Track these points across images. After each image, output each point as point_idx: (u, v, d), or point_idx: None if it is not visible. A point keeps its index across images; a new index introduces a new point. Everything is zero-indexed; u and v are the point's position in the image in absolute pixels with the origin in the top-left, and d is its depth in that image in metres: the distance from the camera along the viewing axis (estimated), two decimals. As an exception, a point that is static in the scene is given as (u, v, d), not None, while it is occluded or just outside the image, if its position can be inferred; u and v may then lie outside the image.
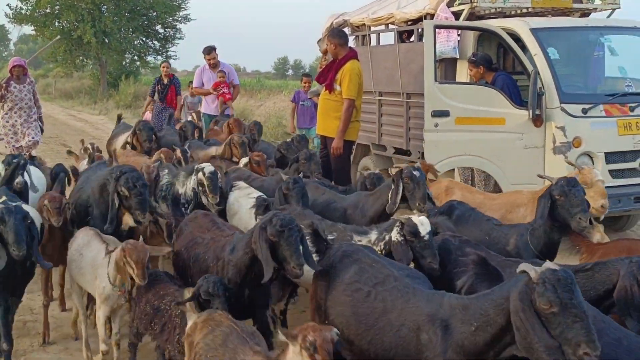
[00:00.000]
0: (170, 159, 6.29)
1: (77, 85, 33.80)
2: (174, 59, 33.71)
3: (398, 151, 7.70)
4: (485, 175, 6.45)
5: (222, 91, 9.74)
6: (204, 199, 5.06)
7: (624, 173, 6.16)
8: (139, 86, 27.68)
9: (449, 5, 6.95)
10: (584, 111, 6.03)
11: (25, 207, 4.24)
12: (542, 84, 6.03)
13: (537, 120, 6.07)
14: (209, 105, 10.22)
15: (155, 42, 32.51)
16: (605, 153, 6.06)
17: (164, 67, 11.28)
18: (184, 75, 35.23)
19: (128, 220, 4.48)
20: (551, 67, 6.12)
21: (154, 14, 31.04)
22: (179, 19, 32.12)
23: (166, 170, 5.62)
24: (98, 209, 4.63)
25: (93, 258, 4.09)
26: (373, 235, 3.89)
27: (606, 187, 5.95)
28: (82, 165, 6.96)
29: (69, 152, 7.97)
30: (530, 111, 5.99)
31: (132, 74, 31.15)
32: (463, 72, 6.98)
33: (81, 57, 31.72)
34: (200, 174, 5.05)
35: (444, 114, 6.11)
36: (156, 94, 10.87)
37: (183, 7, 31.96)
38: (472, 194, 5.27)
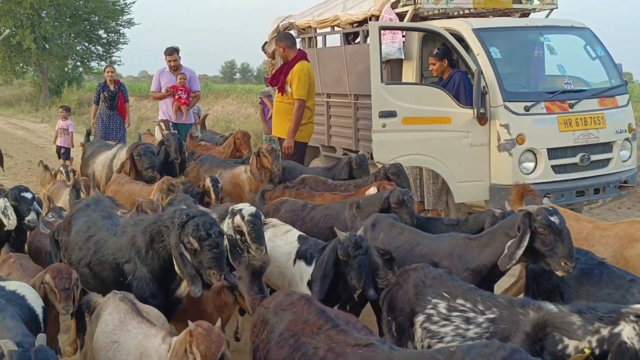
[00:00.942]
0: (171, 192, 5.09)
1: (17, 93, 32.90)
2: (118, 64, 33.15)
3: (347, 152, 7.75)
4: (433, 174, 6.54)
5: (178, 95, 8.83)
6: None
7: (566, 168, 6.33)
8: (83, 92, 27.10)
9: (393, 6, 7.02)
10: (527, 109, 6.18)
11: (23, 289, 3.19)
12: (486, 83, 6.15)
13: (482, 119, 6.19)
14: (169, 112, 8.93)
15: (99, 48, 31.95)
16: (547, 149, 6.21)
17: (108, 72, 10.58)
18: (130, 80, 34.65)
19: (183, 287, 3.44)
20: (494, 66, 6.25)
21: (96, 18, 30.51)
22: (123, 23, 31.67)
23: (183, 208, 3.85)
24: (145, 266, 3.52)
25: (138, 347, 2.83)
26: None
27: (549, 182, 6.19)
28: (57, 193, 6.27)
29: (45, 167, 7.50)
30: (475, 110, 6.11)
31: (75, 80, 30.45)
32: (409, 72, 7.07)
33: (21, 64, 30.88)
34: (237, 218, 3.82)
35: (391, 114, 6.17)
36: (101, 101, 10.33)
37: (126, 12, 31.47)
38: (580, 222, 4.33)
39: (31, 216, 4.54)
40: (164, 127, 8.08)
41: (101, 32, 31.62)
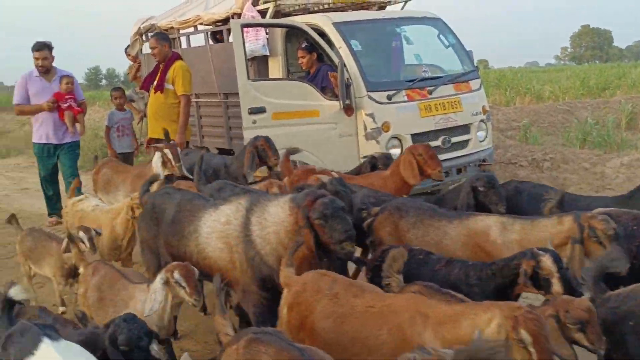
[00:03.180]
0: None
1: None
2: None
3: (221, 152, 7.71)
4: (306, 167, 6.67)
5: (67, 104, 7.20)
6: None
7: (430, 151, 6.67)
8: None
9: (255, 4, 7.07)
10: (389, 97, 6.45)
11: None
12: (349, 75, 6.36)
13: (348, 110, 6.39)
14: (48, 132, 7.28)
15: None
16: (411, 135, 6.52)
17: None
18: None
19: None
20: (355, 58, 6.47)
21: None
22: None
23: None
24: None
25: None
26: None
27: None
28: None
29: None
30: (341, 101, 6.30)
31: None
32: (275, 68, 7.15)
33: None
34: None
35: (260, 110, 6.23)
36: None
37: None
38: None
39: None
40: (170, 157, 5.51)
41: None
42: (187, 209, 3.78)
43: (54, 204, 7.71)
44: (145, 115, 7.91)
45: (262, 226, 3.35)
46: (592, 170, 7.90)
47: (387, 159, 5.55)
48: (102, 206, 5.31)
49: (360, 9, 7.82)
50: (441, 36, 7.40)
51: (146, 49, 9.00)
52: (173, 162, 5.49)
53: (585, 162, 8.13)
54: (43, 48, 7.20)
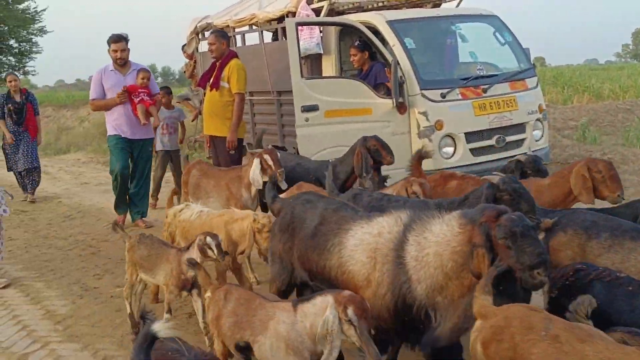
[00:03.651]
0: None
1: None
2: (32, 75, 31.98)
3: (274, 149, 7.79)
4: (359, 165, 6.67)
5: (139, 97, 7.18)
6: None
7: (483, 150, 6.60)
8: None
9: (309, 2, 7.13)
10: (443, 96, 6.40)
11: None
12: (403, 73, 6.33)
13: (401, 108, 6.37)
14: (122, 125, 7.25)
15: (10, 58, 30.64)
16: (465, 133, 6.46)
17: (10, 81, 9.26)
18: (46, 91, 33.48)
19: None
20: (409, 56, 6.44)
21: (6, 28, 29.22)
22: (34, 31, 30.46)
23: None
24: None
25: None
26: None
27: (469, 164, 6.43)
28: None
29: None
30: (394, 99, 6.28)
31: (-13, 93, 29.11)
32: (328, 66, 7.19)
33: None
34: None
35: (313, 108, 6.27)
36: (6, 116, 9.30)
37: (38, 19, 30.32)
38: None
39: None
40: (271, 162, 5.33)
41: (12, 41, 30.39)
42: (333, 220, 3.39)
43: (123, 202, 7.64)
44: (200, 113, 8.05)
45: (420, 246, 2.91)
46: (652, 171, 7.66)
47: (535, 163, 5.02)
48: (208, 211, 4.86)
49: (414, 7, 7.78)
50: (497, 34, 7.29)
51: (202, 47, 9.19)
52: (274, 168, 5.23)
53: (646, 163, 7.89)
54: (120, 40, 7.20)
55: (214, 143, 7.03)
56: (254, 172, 5.35)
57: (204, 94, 7.23)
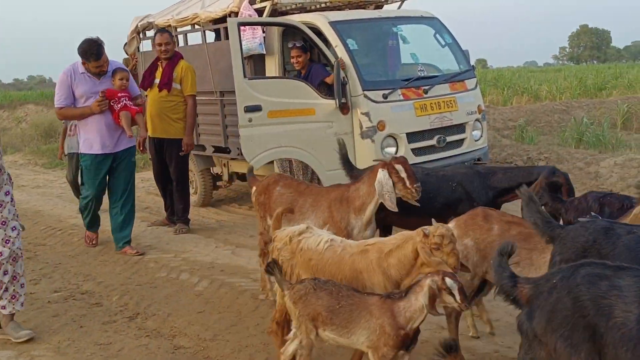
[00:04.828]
0: None
1: None
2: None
3: (217, 149, 7.74)
4: (303, 165, 6.70)
5: (121, 103, 6.05)
6: None
7: (425, 150, 6.70)
8: None
9: (252, 2, 7.10)
10: (385, 96, 6.48)
11: None
12: (345, 74, 6.38)
13: (344, 108, 6.42)
14: (101, 138, 6.07)
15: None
16: (406, 134, 6.55)
17: None
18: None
19: None
20: (352, 57, 6.49)
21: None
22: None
23: None
24: None
25: None
26: None
27: (411, 164, 6.52)
28: None
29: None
30: (337, 100, 6.32)
31: None
32: (272, 67, 7.17)
33: None
34: None
35: (256, 108, 6.25)
36: None
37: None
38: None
39: None
40: (404, 175, 4.25)
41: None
42: None
43: (98, 218, 6.63)
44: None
45: None
46: (586, 169, 7.93)
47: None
48: (342, 242, 3.60)
49: (357, 8, 7.84)
50: (437, 35, 7.43)
51: (143, 47, 9.06)
52: (408, 183, 4.18)
53: (579, 162, 8.17)
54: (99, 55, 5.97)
55: (161, 145, 6.95)
56: (385, 188, 4.20)
57: (146, 95, 7.13)
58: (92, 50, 5.91)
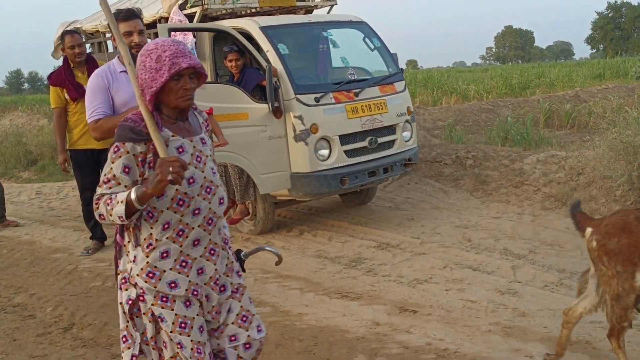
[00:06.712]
0: None
1: None
2: None
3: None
4: (238, 169, 6.74)
5: None
6: None
7: (357, 152, 6.86)
8: None
9: (182, 8, 7.10)
10: (317, 100, 6.60)
11: None
12: (277, 78, 6.47)
13: (277, 112, 6.50)
14: None
15: None
16: (339, 136, 6.69)
17: None
18: None
19: None
20: (283, 61, 6.58)
21: None
22: None
23: None
24: None
25: None
26: None
27: (344, 166, 6.68)
28: None
29: None
30: (270, 104, 6.40)
31: None
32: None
33: None
34: None
35: (189, 114, 6.23)
36: None
37: None
38: None
39: None
40: None
41: None
42: None
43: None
44: None
45: None
46: (511, 166, 8.28)
47: None
48: None
49: (287, 13, 7.94)
50: (366, 39, 7.61)
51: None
52: None
53: (505, 159, 8.51)
54: (134, 18, 4.35)
55: (99, 158, 6.34)
56: None
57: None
58: (121, 14, 4.30)
